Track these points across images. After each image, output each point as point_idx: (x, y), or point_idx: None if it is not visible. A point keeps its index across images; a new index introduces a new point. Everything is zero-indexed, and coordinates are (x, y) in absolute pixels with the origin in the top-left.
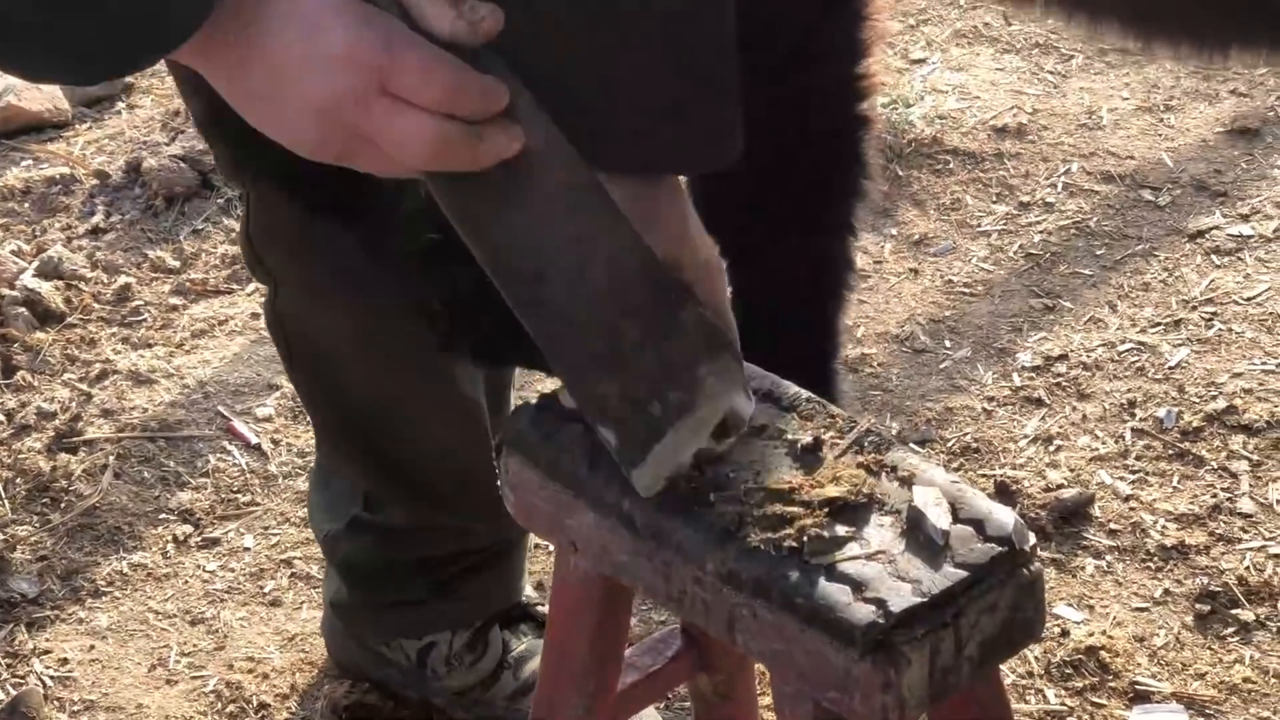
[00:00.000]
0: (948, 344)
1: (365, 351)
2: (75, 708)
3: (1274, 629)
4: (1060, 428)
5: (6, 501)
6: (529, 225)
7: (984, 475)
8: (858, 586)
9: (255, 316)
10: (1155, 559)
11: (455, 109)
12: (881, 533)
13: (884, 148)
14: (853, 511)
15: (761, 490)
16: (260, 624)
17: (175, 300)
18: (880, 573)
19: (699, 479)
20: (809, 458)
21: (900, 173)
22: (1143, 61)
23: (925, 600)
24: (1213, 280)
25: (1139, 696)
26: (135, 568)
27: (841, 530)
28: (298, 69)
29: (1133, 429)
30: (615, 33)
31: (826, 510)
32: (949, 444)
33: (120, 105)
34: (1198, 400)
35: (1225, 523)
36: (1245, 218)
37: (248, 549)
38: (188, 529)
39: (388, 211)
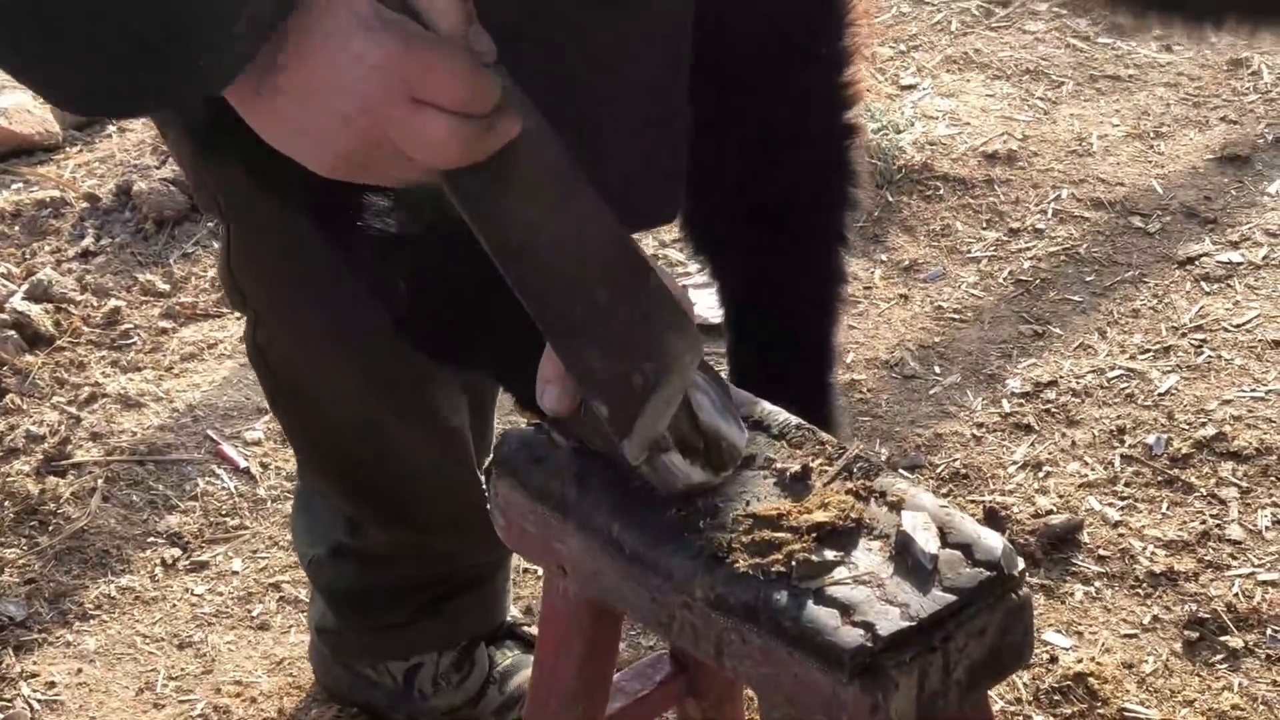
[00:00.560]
0: (937, 370)
1: (347, 381)
2: None
3: (1262, 656)
4: (1049, 454)
5: None
6: (518, 202)
7: (973, 501)
8: (846, 610)
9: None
10: (1144, 585)
11: (474, 108)
12: (870, 557)
13: (874, 173)
14: (841, 536)
15: (750, 517)
16: (248, 648)
17: (165, 324)
18: (868, 596)
19: (689, 508)
20: (798, 485)
21: (890, 198)
22: (1133, 89)
23: (913, 624)
24: (1202, 307)
25: None
26: (123, 591)
27: (830, 555)
28: (332, 80)
29: (1122, 455)
30: (578, 112)
31: (815, 535)
32: (938, 470)
33: (110, 128)
34: (1187, 427)
35: (1214, 549)
36: (1235, 245)
37: (236, 573)
38: (176, 552)
39: (357, 200)
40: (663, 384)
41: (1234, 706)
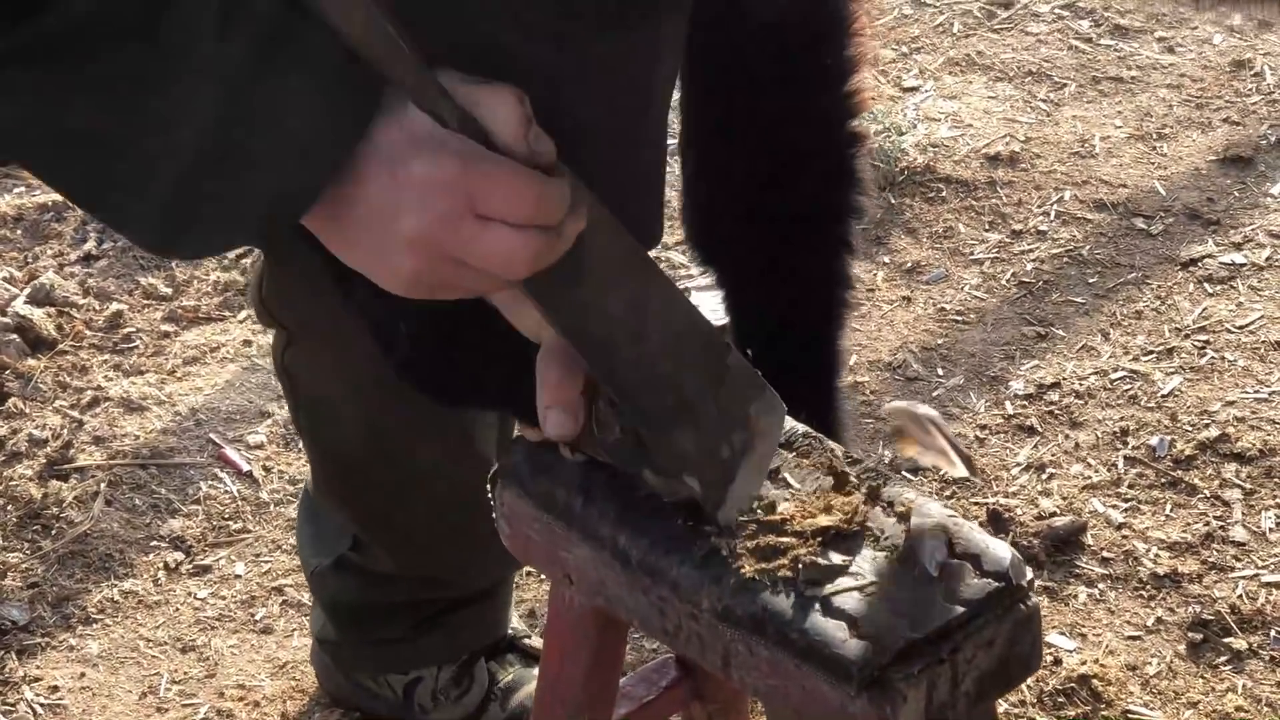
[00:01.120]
0: (940, 372)
1: (371, 408)
2: None
3: (1266, 657)
4: (1053, 456)
5: None
6: (595, 292)
7: (976, 504)
8: (853, 622)
9: (247, 344)
10: (1148, 587)
11: (541, 220)
12: (877, 567)
13: (877, 175)
14: (846, 540)
15: (755, 522)
16: (251, 652)
17: (167, 327)
18: (876, 608)
19: (695, 517)
20: (804, 493)
21: (893, 201)
22: (1135, 90)
23: (921, 636)
24: (1205, 308)
25: None
26: (126, 595)
27: (836, 559)
28: (391, 205)
29: (1125, 457)
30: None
31: (820, 540)
32: (941, 472)
33: None
34: (1190, 429)
35: (1218, 551)
36: (1238, 246)
37: (239, 576)
38: (179, 556)
39: None
40: (750, 451)
41: (1238, 708)
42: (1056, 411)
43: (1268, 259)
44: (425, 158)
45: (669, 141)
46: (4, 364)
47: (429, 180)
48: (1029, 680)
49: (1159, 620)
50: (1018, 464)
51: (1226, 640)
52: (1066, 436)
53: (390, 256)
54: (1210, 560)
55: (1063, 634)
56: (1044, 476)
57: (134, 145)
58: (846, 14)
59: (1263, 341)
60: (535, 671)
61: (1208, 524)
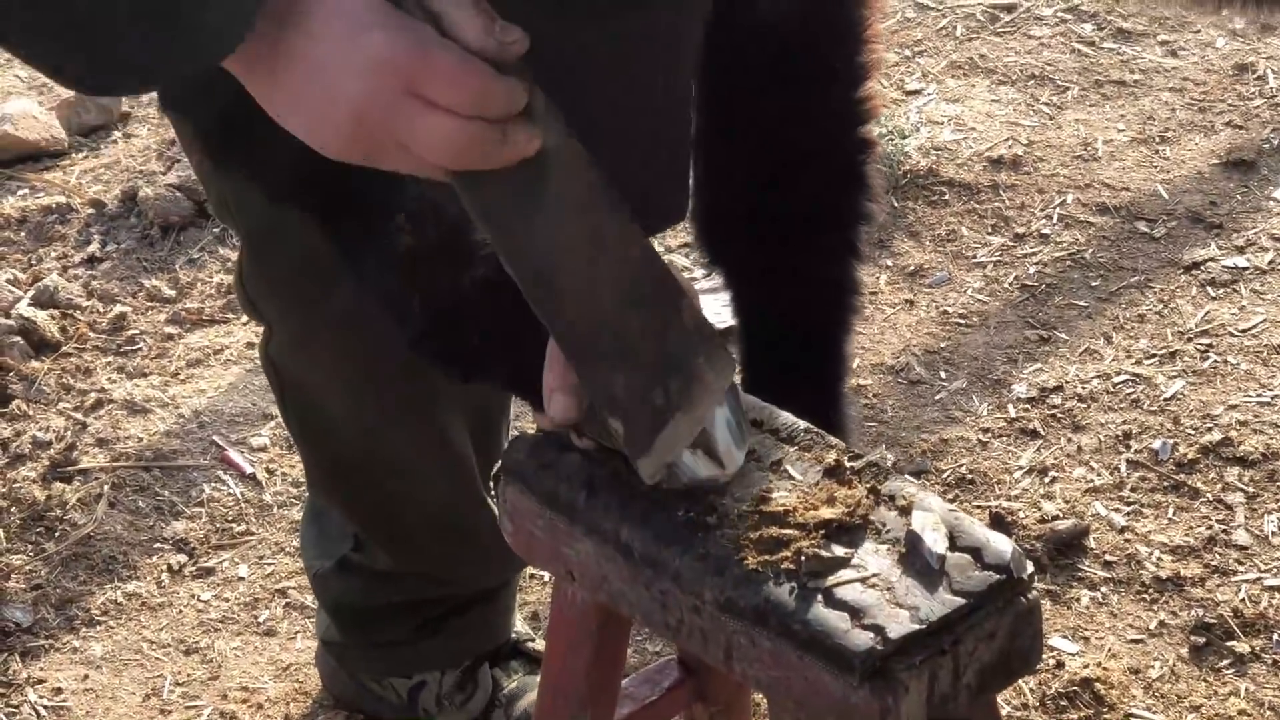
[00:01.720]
0: (943, 375)
1: (356, 399)
2: None
3: (1269, 661)
4: (1055, 459)
5: (1, 530)
6: (545, 222)
7: (979, 506)
8: (856, 613)
9: (250, 346)
10: (1150, 591)
11: (482, 111)
12: (879, 560)
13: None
14: (849, 533)
15: (758, 514)
16: (254, 654)
17: (171, 329)
18: (878, 600)
19: (697, 508)
20: (806, 486)
21: (896, 204)
22: (1138, 94)
23: (923, 627)
24: (1208, 312)
25: None
26: (130, 597)
27: (839, 551)
28: (335, 69)
29: (1128, 461)
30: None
31: (823, 532)
32: (944, 475)
33: (116, 134)
34: (1193, 432)
35: (1220, 555)
36: (1240, 250)
37: (242, 579)
38: (182, 558)
39: (370, 214)
40: (686, 405)
41: (1241, 712)
42: (1059, 415)
43: (1270, 263)
44: (381, 30)
45: None
46: (8, 366)
47: (381, 52)
48: (1031, 682)
49: (1161, 624)
50: (1020, 467)
51: (1229, 644)
52: (1069, 440)
53: (324, 118)
54: (1213, 564)
55: (1065, 637)
56: (1046, 480)
57: None
58: (859, 20)
59: (1265, 345)
60: (539, 678)
61: (1210, 528)
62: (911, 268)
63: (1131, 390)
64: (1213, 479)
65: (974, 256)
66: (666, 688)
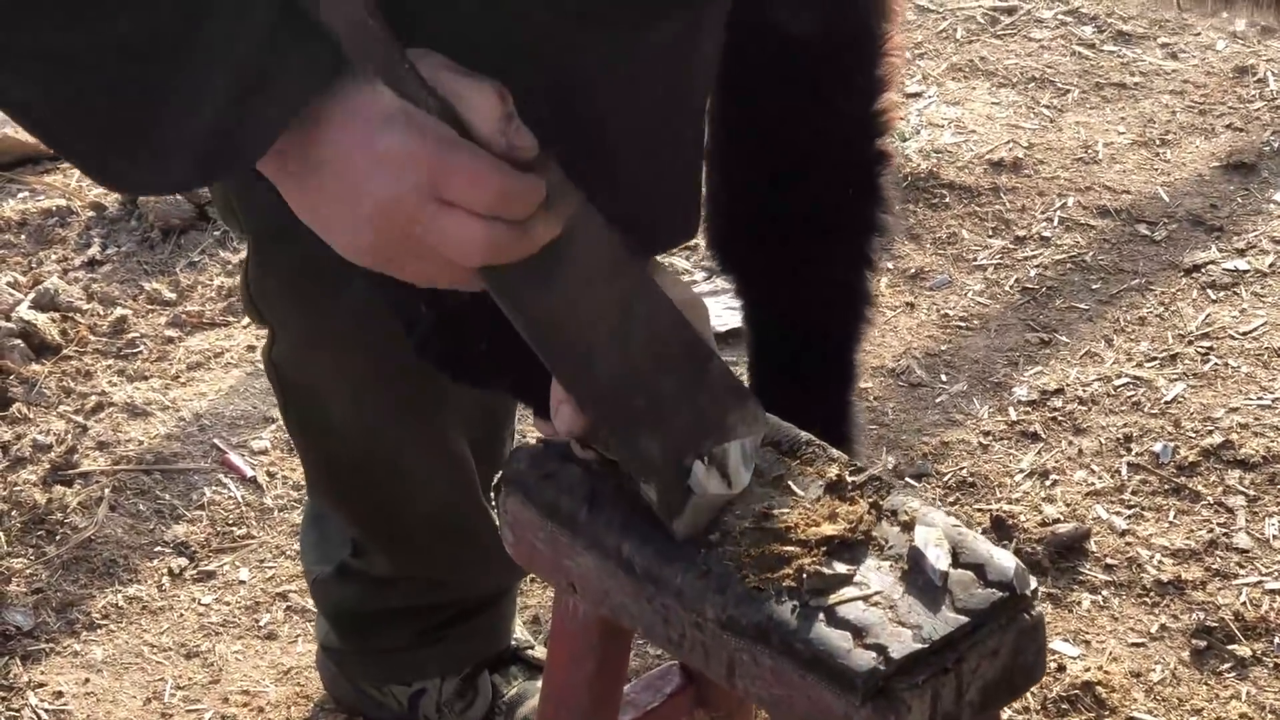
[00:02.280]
0: (944, 378)
1: (359, 403)
2: None
3: (1270, 664)
4: (1056, 462)
5: (2, 534)
6: (571, 299)
7: (980, 510)
8: (858, 632)
9: (251, 349)
10: (1151, 594)
11: (504, 213)
12: (882, 577)
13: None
14: (851, 549)
15: (759, 531)
16: (255, 657)
17: (171, 332)
18: (881, 618)
19: None
20: (807, 502)
21: (897, 198)
22: (1138, 96)
23: (926, 646)
24: (1209, 315)
25: None
26: (130, 600)
27: (840, 568)
28: (356, 174)
29: (1129, 464)
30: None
31: (825, 549)
32: (945, 478)
33: None
34: (1194, 435)
35: (1221, 558)
36: (1241, 252)
37: (243, 582)
38: (183, 562)
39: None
40: (723, 460)
41: (1242, 715)
42: (1060, 418)
43: (1271, 265)
44: (398, 132)
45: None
46: (8, 369)
47: (399, 155)
48: (1033, 687)
49: (1163, 627)
50: (1021, 470)
51: (1230, 647)
52: (1070, 443)
53: (351, 224)
54: (1214, 567)
55: (1066, 641)
56: (1048, 483)
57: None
58: (878, 32)
59: (1266, 348)
60: (539, 684)
61: (1211, 531)
62: (912, 270)
63: (1132, 393)
64: (1214, 482)
65: (975, 259)
66: (668, 694)
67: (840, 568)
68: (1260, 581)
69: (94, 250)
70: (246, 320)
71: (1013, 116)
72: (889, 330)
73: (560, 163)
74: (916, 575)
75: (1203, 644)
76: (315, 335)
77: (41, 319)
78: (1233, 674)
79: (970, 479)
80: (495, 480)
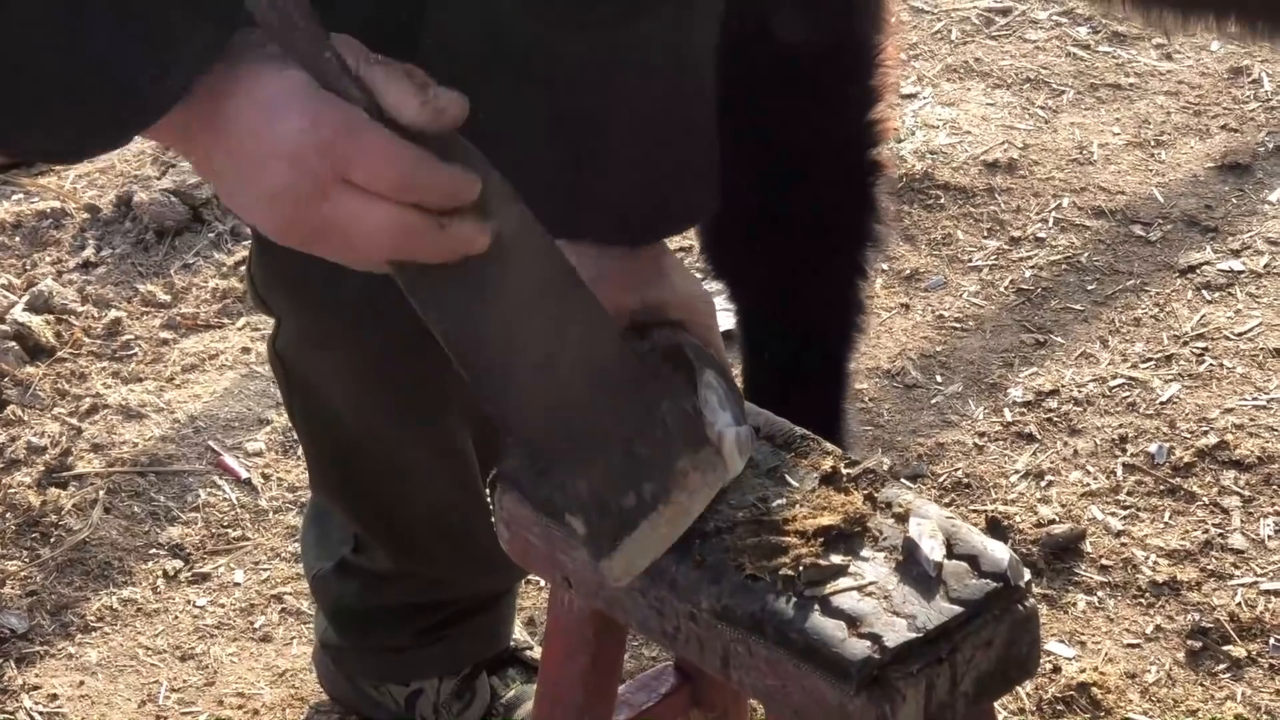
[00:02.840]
0: (939, 379)
1: (362, 397)
2: None
3: (1266, 665)
4: (1051, 463)
5: None
6: (498, 318)
7: (975, 510)
8: (853, 622)
9: (246, 351)
10: (1147, 595)
11: (416, 198)
12: (876, 568)
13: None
14: (847, 540)
15: (755, 522)
16: (250, 660)
17: (166, 334)
18: (875, 608)
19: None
20: (803, 493)
21: (891, 208)
22: (1133, 97)
23: (920, 636)
24: (1204, 315)
25: None
26: (125, 603)
27: (836, 559)
28: (256, 156)
29: (1124, 464)
30: (611, 115)
31: (821, 540)
32: (940, 479)
33: None
34: (1189, 436)
35: (1217, 559)
36: (1236, 253)
37: (238, 584)
38: (178, 564)
39: None
40: (663, 505)
41: (1237, 716)
42: (1055, 419)
43: (1266, 266)
44: (303, 112)
45: None
46: (2, 371)
47: (303, 136)
48: (1027, 687)
49: (1158, 628)
50: (1016, 471)
51: (1226, 648)
52: (1065, 444)
53: (256, 205)
54: (1209, 568)
55: (1062, 642)
56: (1043, 484)
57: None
58: (874, 44)
59: (1261, 349)
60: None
61: (1206, 531)
62: (907, 272)
63: (1127, 394)
64: (1209, 483)
65: (970, 260)
66: (663, 694)
67: (835, 558)
68: (1255, 582)
69: (88, 252)
70: (241, 321)
71: (1008, 117)
72: (884, 331)
73: (551, 150)
74: (911, 566)
75: (1198, 645)
76: (320, 325)
77: (36, 321)
78: (1228, 675)
79: (965, 480)
80: (490, 476)
